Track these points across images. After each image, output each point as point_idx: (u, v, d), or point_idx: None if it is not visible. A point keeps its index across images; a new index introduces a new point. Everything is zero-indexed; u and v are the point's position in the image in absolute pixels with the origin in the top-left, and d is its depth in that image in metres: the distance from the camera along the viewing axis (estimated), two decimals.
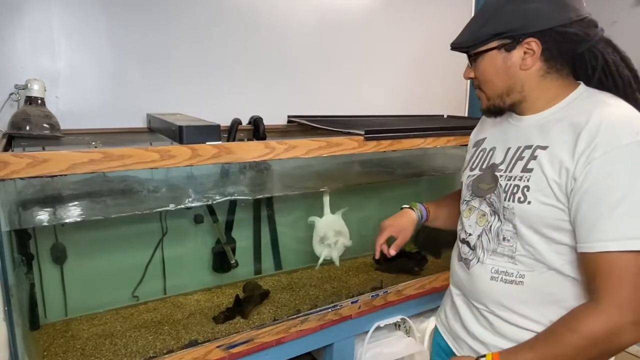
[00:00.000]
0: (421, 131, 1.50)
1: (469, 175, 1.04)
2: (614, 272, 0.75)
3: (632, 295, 0.74)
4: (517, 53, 0.87)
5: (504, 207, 0.90)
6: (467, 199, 1.02)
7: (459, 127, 1.61)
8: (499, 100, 0.93)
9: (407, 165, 1.84)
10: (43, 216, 1.13)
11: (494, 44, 0.88)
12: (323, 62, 1.86)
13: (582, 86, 0.90)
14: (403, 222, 1.18)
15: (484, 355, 0.87)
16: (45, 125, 1.21)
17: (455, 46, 0.96)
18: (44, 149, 1.22)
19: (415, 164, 1.85)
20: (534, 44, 0.85)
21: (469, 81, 2.32)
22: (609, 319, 0.75)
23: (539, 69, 0.88)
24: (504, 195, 0.90)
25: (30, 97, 1.24)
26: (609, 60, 0.86)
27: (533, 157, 0.87)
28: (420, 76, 2.17)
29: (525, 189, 0.86)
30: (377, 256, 1.16)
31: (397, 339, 1.69)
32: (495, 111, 0.96)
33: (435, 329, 1.17)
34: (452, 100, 2.33)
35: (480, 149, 1.04)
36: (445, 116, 2.21)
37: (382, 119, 1.91)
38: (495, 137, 1.01)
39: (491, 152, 1.00)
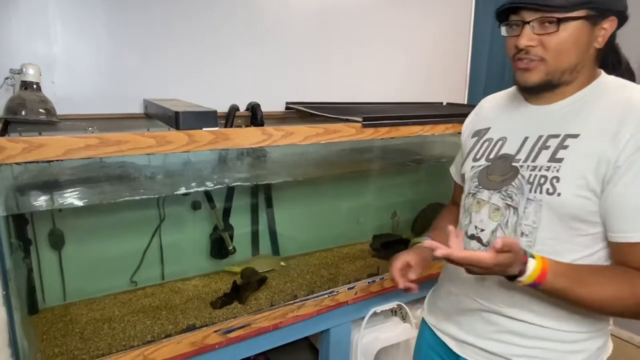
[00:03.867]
0: (419, 118, 1.49)
1: (472, 166, 0.98)
2: None
3: None
4: (598, 29, 0.82)
5: (528, 199, 0.85)
6: (473, 192, 0.96)
7: (458, 114, 1.60)
8: (559, 75, 0.84)
9: (405, 153, 1.84)
10: (40, 201, 1.13)
11: (582, 12, 0.80)
12: (322, 48, 1.84)
13: (603, 73, 0.88)
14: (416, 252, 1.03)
15: (533, 256, 0.79)
16: (41, 110, 1.20)
17: (540, 3, 0.80)
18: (40, 134, 1.22)
19: (415, 152, 1.85)
20: (612, 24, 0.83)
21: (468, 68, 2.37)
22: None
23: (598, 51, 0.85)
24: (529, 186, 0.85)
25: (25, 81, 1.23)
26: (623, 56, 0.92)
27: (563, 146, 0.83)
28: (419, 63, 2.15)
29: (555, 180, 0.82)
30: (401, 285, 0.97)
31: (393, 325, 1.70)
32: (541, 89, 0.87)
33: (423, 323, 1.11)
34: (452, 87, 2.32)
35: (484, 139, 0.99)
36: (444, 103, 2.20)
37: (381, 106, 1.90)
38: (503, 126, 0.97)
39: (500, 142, 0.95)
